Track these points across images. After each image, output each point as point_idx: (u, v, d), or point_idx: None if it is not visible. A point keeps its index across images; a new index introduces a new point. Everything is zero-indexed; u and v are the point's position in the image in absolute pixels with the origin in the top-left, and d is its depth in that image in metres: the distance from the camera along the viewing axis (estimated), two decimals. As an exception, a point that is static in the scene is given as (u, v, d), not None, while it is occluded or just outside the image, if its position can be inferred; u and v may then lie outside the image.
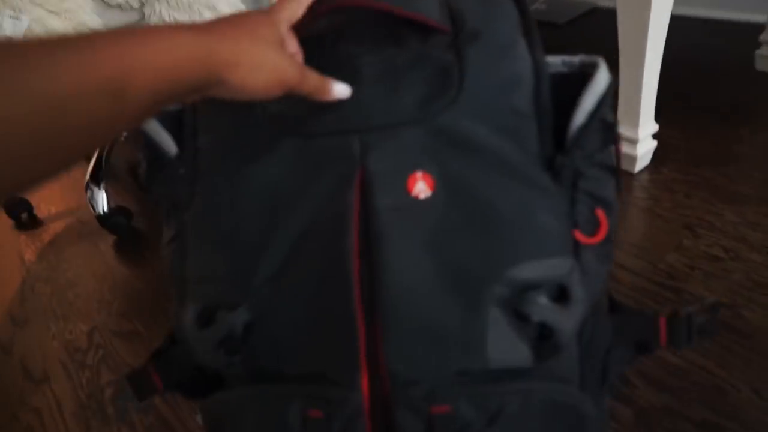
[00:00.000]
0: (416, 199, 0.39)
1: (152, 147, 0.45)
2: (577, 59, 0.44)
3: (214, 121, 0.45)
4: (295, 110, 0.42)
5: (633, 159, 1.11)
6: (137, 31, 0.32)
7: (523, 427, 0.39)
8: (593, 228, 0.42)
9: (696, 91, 1.38)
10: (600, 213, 0.42)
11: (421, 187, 0.39)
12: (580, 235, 0.41)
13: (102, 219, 1.19)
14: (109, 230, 1.21)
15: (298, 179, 0.41)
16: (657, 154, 1.15)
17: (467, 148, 0.40)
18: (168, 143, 0.45)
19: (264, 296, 0.41)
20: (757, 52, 1.44)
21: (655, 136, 1.12)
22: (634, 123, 1.07)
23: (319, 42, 0.44)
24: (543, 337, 0.39)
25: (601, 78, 0.42)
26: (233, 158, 0.43)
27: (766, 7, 1.68)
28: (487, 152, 0.40)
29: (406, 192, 0.39)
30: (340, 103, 0.41)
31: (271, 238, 0.41)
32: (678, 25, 1.15)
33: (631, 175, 1.12)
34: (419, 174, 0.39)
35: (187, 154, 0.46)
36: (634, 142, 1.09)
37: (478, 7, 0.44)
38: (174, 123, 0.46)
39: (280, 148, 0.42)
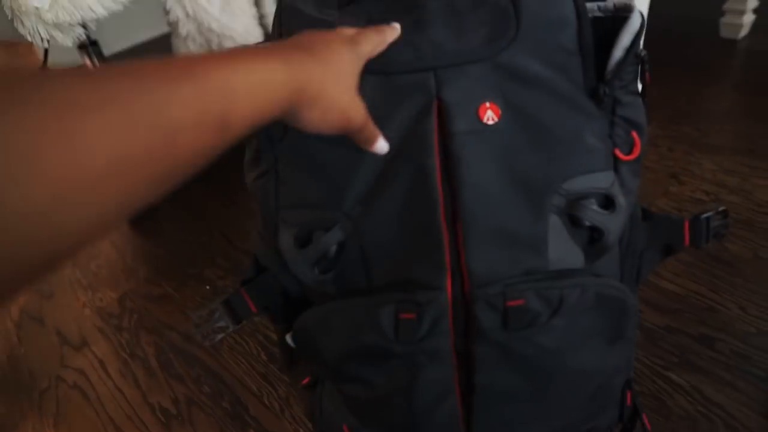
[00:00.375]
0: (486, 125, 0.45)
1: None
2: (611, 3, 0.50)
3: None
4: None
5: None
6: (236, 58, 0.32)
7: (580, 315, 0.46)
8: (629, 147, 0.48)
9: (670, 55, 1.48)
10: (634, 134, 0.48)
11: (490, 115, 0.45)
12: (619, 153, 0.47)
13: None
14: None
15: (383, 110, 0.46)
16: (638, 113, 1.24)
17: (526, 80, 0.46)
18: None
19: (355, 216, 0.46)
20: (721, 20, 1.55)
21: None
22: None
23: None
24: (593, 241, 0.46)
25: (635, 18, 0.48)
26: None
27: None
28: (542, 84, 0.46)
29: (477, 119, 0.45)
30: (415, 43, 0.46)
31: (359, 162, 0.46)
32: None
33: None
34: (487, 104, 0.45)
35: None
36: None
37: None
38: None
39: (365, 85, 0.45)
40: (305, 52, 0.38)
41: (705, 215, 0.54)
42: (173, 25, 1.24)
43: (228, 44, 1.25)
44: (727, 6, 1.52)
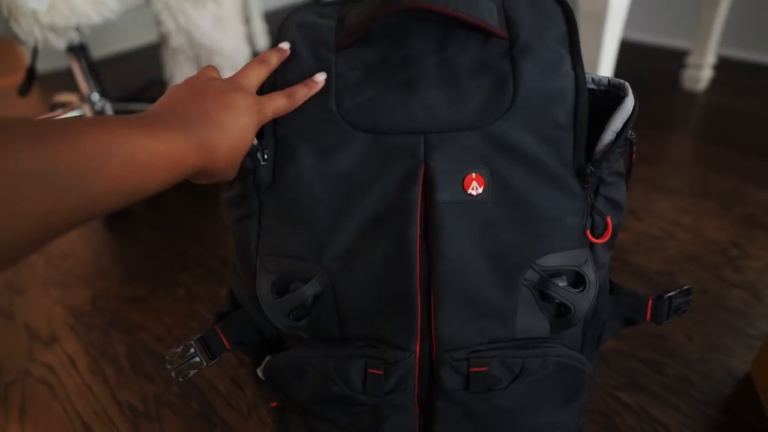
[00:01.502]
0: (470, 196, 0.45)
1: None
2: (605, 79, 0.50)
3: (291, 114, 0.48)
4: (367, 108, 0.47)
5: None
6: (157, 136, 0.36)
7: (539, 381, 0.48)
8: (602, 230, 0.49)
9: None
10: (608, 219, 0.49)
11: (475, 186, 0.46)
12: (590, 236, 0.49)
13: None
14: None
15: (370, 171, 0.46)
16: (603, 153, 1.32)
17: (515, 154, 0.46)
18: None
19: (333, 271, 0.47)
20: (683, 72, 1.66)
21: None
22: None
23: (386, 38, 0.49)
24: (560, 314, 0.47)
25: (629, 102, 0.47)
26: (312, 149, 0.48)
27: (688, 35, 1.92)
28: (532, 159, 0.46)
29: (462, 189, 0.45)
30: (409, 105, 0.47)
31: (344, 220, 0.47)
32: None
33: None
34: (473, 174, 0.46)
35: (268, 140, 0.49)
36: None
37: (530, 16, 0.48)
38: None
39: (355, 143, 0.47)
40: (212, 125, 0.41)
41: (668, 295, 0.55)
42: (164, 37, 1.27)
43: (217, 59, 1.29)
44: (689, 60, 1.63)
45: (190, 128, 0.39)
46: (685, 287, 0.57)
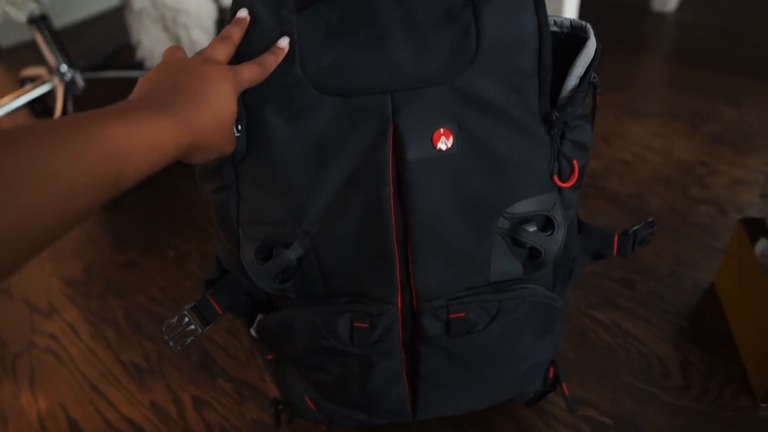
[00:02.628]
0: (440, 152, 0.46)
1: None
2: (567, 21, 0.50)
3: (259, 83, 0.47)
4: (333, 71, 0.47)
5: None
6: (128, 122, 0.34)
7: (515, 320, 0.51)
8: (568, 174, 0.50)
9: (604, 27, 1.58)
10: (575, 163, 0.50)
11: (444, 141, 0.46)
12: (557, 180, 0.50)
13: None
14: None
15: (341, 134, 0.47)
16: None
17: (482, 104, 0.46)
18: None
19: (314, 234, 0.48)
20: (653, -7, 1.65)
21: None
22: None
23: None
24: (531, 257, 0.50)
25: (590, 45, 0.47)
26: (282, 116, 0.48)
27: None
28: (498, 108, 0.46)
29: (431, 145, 0.46)
30: (374, 64, 0.46)
31: (319, 184, 0.47)
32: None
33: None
34: (442, 130, 0.46)
35: (239, 111, 0.48)
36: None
37: None
38: None
39: (323, 106, 0.47)
40: (192, 101, 0.40)
41: (633, 229, 0.57)
42: (127, 0, 1.25)
43: (182, 18, 1.27)
44: (658, -20, 1.62)
45: (170, 108, 0.39)
46: (649, 220, 0.59)
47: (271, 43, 0.48)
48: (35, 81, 1.43)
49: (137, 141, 0.34)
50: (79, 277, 1.03)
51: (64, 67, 1.39)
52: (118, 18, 2.22)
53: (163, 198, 1.19)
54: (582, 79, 0.48)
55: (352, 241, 0.48)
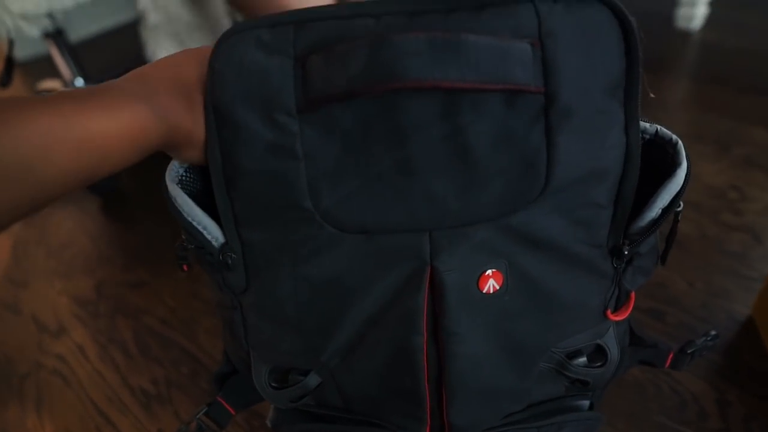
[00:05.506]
0: (486, 294, 0.39)
1: (195, 235, 0.40)
2: (653, 129, 0.40)
3: (257, 215, 0.39)
4: (354, 206, 0.38)
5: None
6: (113, 105, 0.33)
7: None
8: (623, 304, 0.45)
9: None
10: (632, 296, 0.45)
11: (491, 284, 0.39)
12: (610, 314, 0.44)
13: (87, 183, 1.23)
14: (96, 193, 1.24)
15: (363, 275, 0.39)
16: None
17: (539, 242, 0.38)
18: (214, 231, 0.40)
19: (333, 366, 0.43)
20: (677, 11, 1.62)
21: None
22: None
23: (374, 104, 0.35)
24: (578, 381, 0.45)
25: (680, 174, 0.38)
26: (291, 254, 0.40)
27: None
28: (557, 247, 0.39)
29: (477, 290, 0.39)
30: (408, 198, 0.37)
31: (335, 327, 0.41)
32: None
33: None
34: (489, 272, 0.39)
35: (234, 243, 0.41)
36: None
37: (576, 51, 0.35)
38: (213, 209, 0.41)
39: (342, 245, 0.39)
40: (170, 87, 0.37)
41: (690, 350, 0.50)
42: (141, 15, 1.24)
43: (197, 35, 1.26)
44: (682, -2, 1.59)
45: (157, 96, 0.35)
46: (712, 333, 0.51)
47: (264, 161, 0.37)
48: (50, 94, 1.42)
49: (115, 136, 0.33)
50: (89, 295, 1.01)
51: (79, 81, 1.38)
52: (134, 32, 2.23)
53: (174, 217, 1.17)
54: (665, 210, 0.38)
55: (376, 379, 0.43)
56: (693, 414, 0.68)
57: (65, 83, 1.39)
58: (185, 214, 0.39)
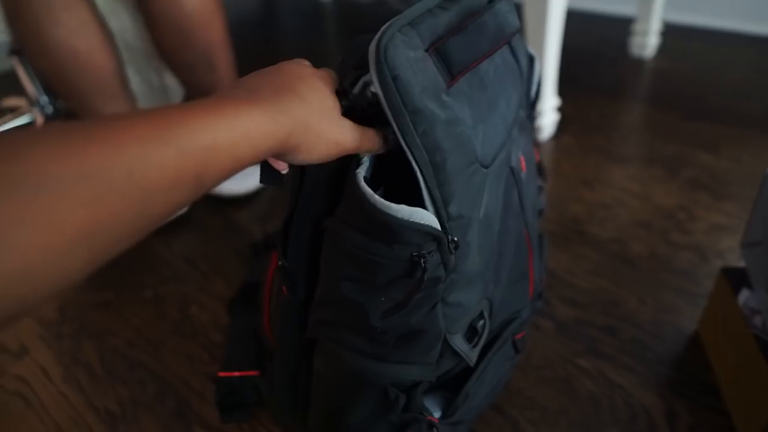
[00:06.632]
0: (525, 174, 0.62)
1: (425, 231, 0.44)
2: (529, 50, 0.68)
3: (456, 186, 0.46)
4: (486, 146, 0.50)
5: (539, 129, 1.30)
6: (222, 113, 0.31)
7: None
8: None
9: (584, 73, 1.61)
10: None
11: (522, 165, 0.62)
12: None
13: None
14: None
15: (495, 198, 0.54)
16: (559, 125, 1.36)
17: (525, 127, 0.62)
18: (432, 220, 0.45)
19: (490, 295, 0.57)
20: (630, 40, 1.70)
21: (557, 110, 1.33)
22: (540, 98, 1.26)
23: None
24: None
25: (538, 65, 0.69)
26: (476, 209, 0.50)
27: (634, 2, 1.95)
28: (528, 127, 0.65)
29: (522, 173, 0.62)
30: (498, 127, 0.53)
31: (494, 251, 0.56)
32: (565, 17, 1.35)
33: (537, 144, 1.31)
34: (521, 155, 0.61)
35: (450, 225, 0.47)
36: (540, 114, 1.28)
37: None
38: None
39: (486, 180, 0.51)
40: (286, 93, 0.37)
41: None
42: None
43: (155, 63, 1.27)
44: (635, 27, 1.67)
45: (255, 97, 0.35)
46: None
47: (453, 137, 0.45)
48: (15, 111, 1.41)
49: (226, 133, 0.30)
50: (53, 316, 1.00)
51: (44, 99, 1.37)
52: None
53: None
54: (539, 85, 0.74)
55: (508, 282, 0.61)
56: (644, 426, 0.72)
57: (30, 101, 1.38)
58: (408, 218, 0.42)
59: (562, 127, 1.35)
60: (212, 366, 0.86)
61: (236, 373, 0.74)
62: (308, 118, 0.37)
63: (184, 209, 1.16)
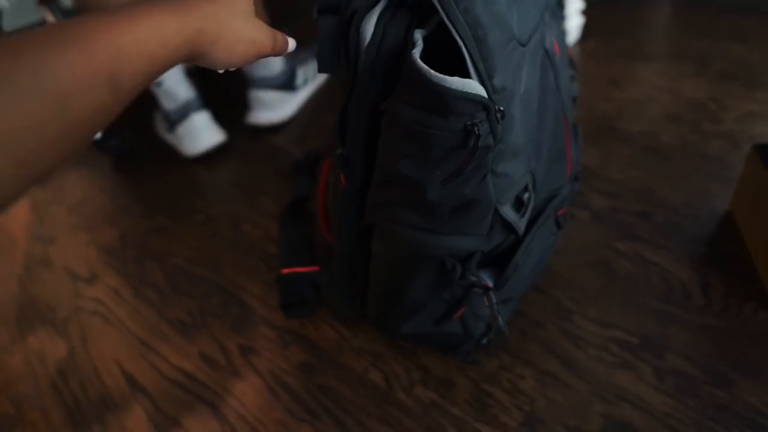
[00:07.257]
0: (558, 56, 0.66)
1: (475, 101, 0.46)
2: None
3: (497, 62, 0.48)
4: (521, 27, 0.53)
5: (565, 32, 1.30)
6: (126, 15, 0.32)
7: None
8: None
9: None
10: None
11: (556, 48, 0.66)
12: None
13: (98, 144, 1.27)
14: (107, 152, 1.29)
15: (533, 74, 0.58)
16: (584, 29, 1.35)
17: (555, 13, 0.67)
18: (480, 90, 0.47)
19: (533, 169, 0.61)
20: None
21: (582, 13, 1.32)
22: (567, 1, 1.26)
23: None
24: None
25: None
26: (518, 83, 0.53)
27: None
28: (558, 15, 0.71)
29: (555, 54, 0.65)
30: (533, 9, 0.56)
31: (534, 126, 0.59)
32: None
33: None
34: (554, 40, 0.65)
35: (496, 98, 0.49)
36: (565, 18, 1.28)
37: None
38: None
39: (524, 57, 0.53)
40: None
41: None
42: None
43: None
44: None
45: (182, 18, 0.35)
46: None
47: (494, 15, 0.47)
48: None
49: (131, 35, 0.31)
50: (115, 244, 1.07)
51: None
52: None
53: (182, 165, 1.23)
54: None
55: (549, 160, 0.64)
56: (680, 296, 0.76)
57: None
58: (462, 88, 0.45)
59: (587, 31, 1.35)
60: (269, 274, 0.92)
61: (298, 269, 0.80)
62: (218, 13, 0.38)
63: (223, 137, 1.21)
